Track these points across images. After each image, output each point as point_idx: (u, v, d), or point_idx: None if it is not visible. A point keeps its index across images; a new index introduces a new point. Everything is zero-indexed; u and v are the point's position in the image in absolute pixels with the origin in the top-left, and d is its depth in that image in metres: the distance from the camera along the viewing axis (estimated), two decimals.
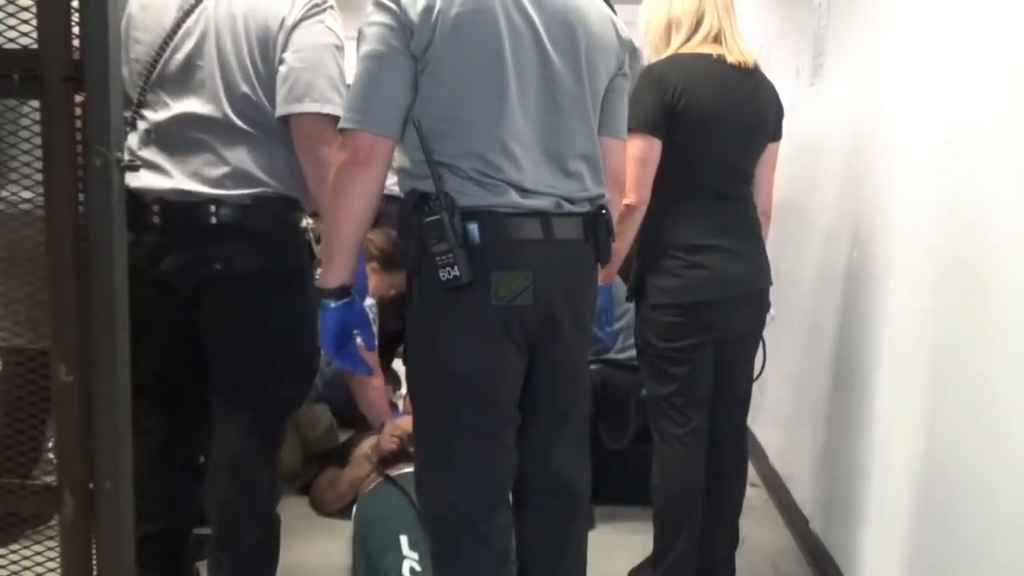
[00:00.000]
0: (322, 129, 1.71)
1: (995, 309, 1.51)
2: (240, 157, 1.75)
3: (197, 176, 1.74)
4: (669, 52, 2.06)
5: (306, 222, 1.92)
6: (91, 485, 1.36)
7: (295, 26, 1.72)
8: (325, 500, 2.75)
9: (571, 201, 1.57)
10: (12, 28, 1.29)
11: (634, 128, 1.86)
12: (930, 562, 1.73)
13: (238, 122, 1.74)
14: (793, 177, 2.83)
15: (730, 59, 2.03)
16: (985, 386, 1.54)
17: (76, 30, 1.27)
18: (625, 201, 1.91)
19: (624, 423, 2.77)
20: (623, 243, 1.99)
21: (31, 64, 1.28)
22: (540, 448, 1.64)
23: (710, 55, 2.03)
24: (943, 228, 1.75)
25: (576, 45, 1.56)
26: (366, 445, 2.74)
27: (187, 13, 1.75)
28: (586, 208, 1.60)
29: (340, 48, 1.79)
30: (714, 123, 2.01)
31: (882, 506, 2.02)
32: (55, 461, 1.38)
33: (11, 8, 1.31)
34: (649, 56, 2.10)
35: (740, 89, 2.06)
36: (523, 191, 1.51)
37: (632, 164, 1.92)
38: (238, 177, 1.75)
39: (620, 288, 2.93)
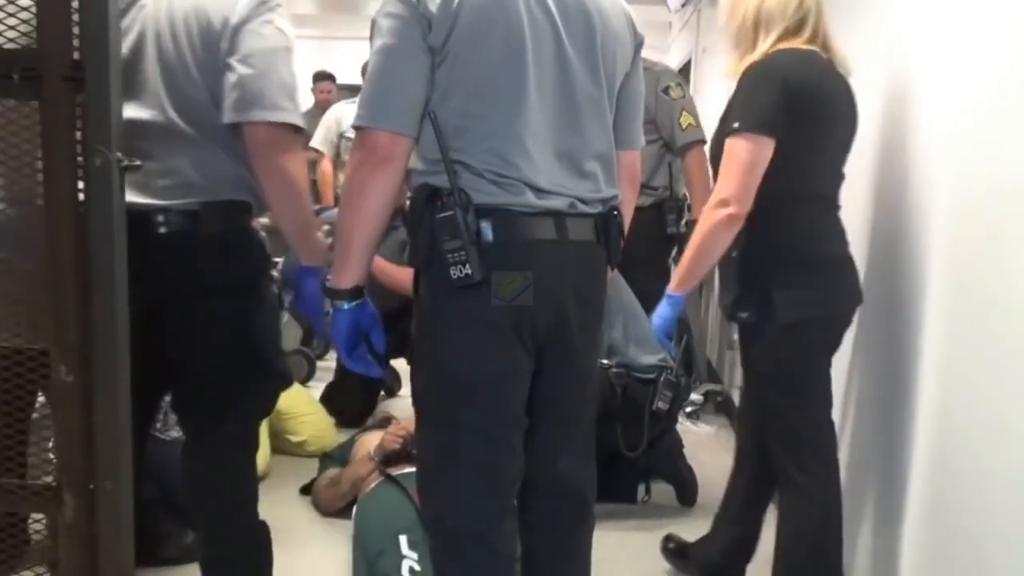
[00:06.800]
0: (278, 138, 1.65)
1: (1002, 313, 1.50)
2: (183, 166, 1.67)
3: (140, 187, 1.65)
4: (766, 47, 1.86)
5: (257, 222, 1.85)
6: (91, 485, 1.36)
7: (240, 26, 1.64)
8: (326, 499, 2.75)
9: (585, 202, 1.54)
10: (12, 28, 1.29)
11: (744, 128, 1.74)
12: (931, 561, 1.73)
13: (181, 125, 1.67)
14: None
15: (832, 59, 1.88)
16: (986, 384, 1.53)
17: (76, 30, 1.27)
18: (727, 211, 1.76)
19: (640, 431, 2.76)
20: (714, 255, 1.82)
21: (31, 64, 1.28)
22: (547, 452, 1.61)
23: (818, 53, 1.85)
24: (953, 230, 1.74)
25: (593, 39, 1.52)
26: (367, 444, 2.75)
27: (123, 12, 1.65)
28: (599, 209, 1.58)
29: (290, 50, 1.70)
30: (828, 126, 1.86)
31: (883, 505, 2.02)
32: (54, 461, 1.38)
33: (11, 8, 1.31)
34: (732, 48, 1.94)
35: (844, 92, 1.89)
36: (538, 191, 1.48)
37: (738, 168, 1.76)
38: (182, 187, 1.68)
39: (626, 292, 2.94)
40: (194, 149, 1.68)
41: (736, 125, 1.73)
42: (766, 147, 1.75)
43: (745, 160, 1.75)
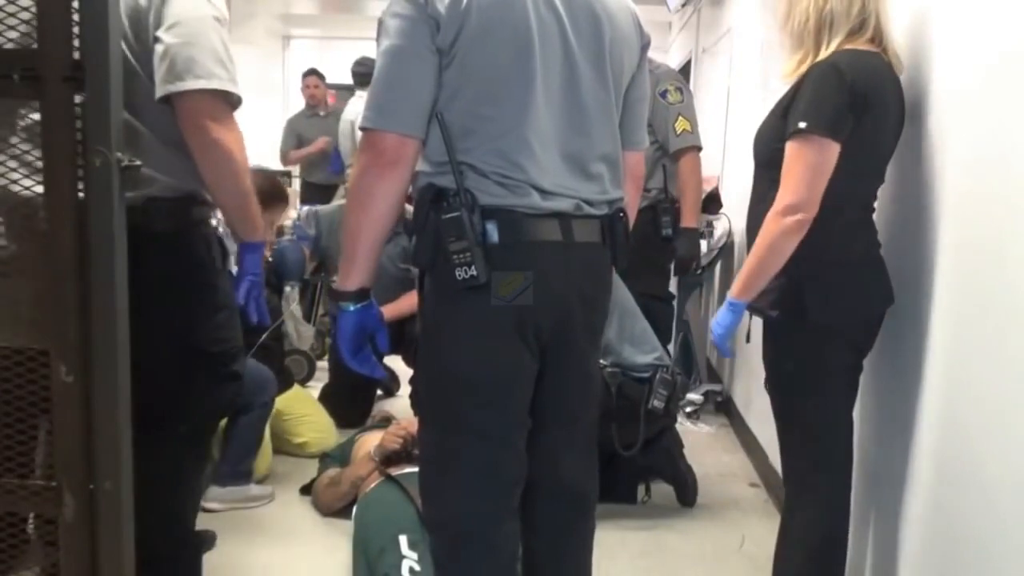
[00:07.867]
0: (209, 106, 1.58)
1: (1007, 315, 1.49)
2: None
3: None
4: (831, 49, 1.81)
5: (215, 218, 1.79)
6: (91, 485, 1.36)
7: None
8: (326, 500, 2.75)
9: (591, 203, 1.54)
10: (12, 28, 1.29)
11: (811, 130, 1.70)
12: (933, 561, 1.73)
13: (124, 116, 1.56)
14: None
15: (890, 60, 1.84)
16: (991, 387, 1.53)
17: (76, 30, 1.27)
18: (795, 217, 1.71)
19: (635, 431, 2.76)
20: (779, 262, 1.76)
21: (31, 64, 1.28)
22: (549, 452, 1.61)
23: (880, 55, 1.81)
24: (957, 231, 1.74)
25: (601, 41, 1.52)
26: (367, 444, 2.75)
27: None
28: (605, 211, 1.58)
29: (221, 20, 1.64)
30: (880, 131, 1.81)
31: (883, 505, 2.02)
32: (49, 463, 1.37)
33: (11, 8, 1.31)
34: (792, 50, 1.90)
35: (897, 96, 1.84)
36: (544, 192, 1.48)
37: (806, 172, 1.72)
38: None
39: (621, 292, 2.93)
40: (133, 138, 1.59)
41: (803, 126, 1.70)
42: (833, 151, 1.73)
43: (813, 163, 1.72)
